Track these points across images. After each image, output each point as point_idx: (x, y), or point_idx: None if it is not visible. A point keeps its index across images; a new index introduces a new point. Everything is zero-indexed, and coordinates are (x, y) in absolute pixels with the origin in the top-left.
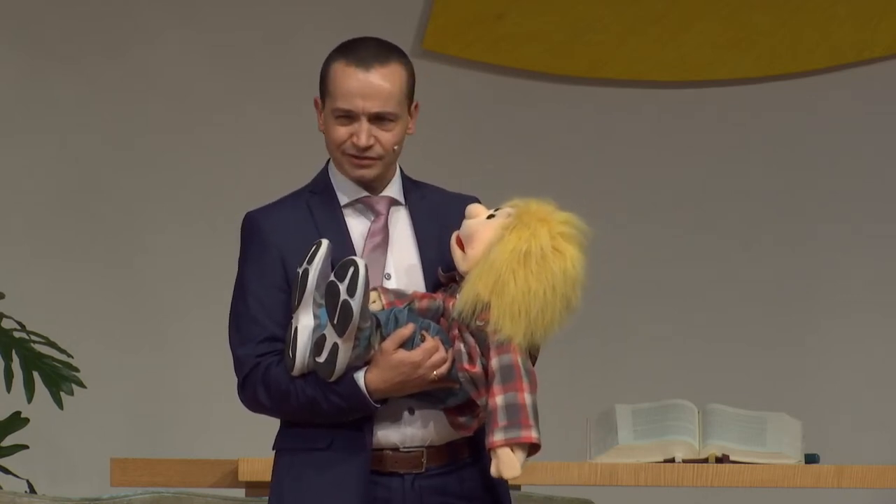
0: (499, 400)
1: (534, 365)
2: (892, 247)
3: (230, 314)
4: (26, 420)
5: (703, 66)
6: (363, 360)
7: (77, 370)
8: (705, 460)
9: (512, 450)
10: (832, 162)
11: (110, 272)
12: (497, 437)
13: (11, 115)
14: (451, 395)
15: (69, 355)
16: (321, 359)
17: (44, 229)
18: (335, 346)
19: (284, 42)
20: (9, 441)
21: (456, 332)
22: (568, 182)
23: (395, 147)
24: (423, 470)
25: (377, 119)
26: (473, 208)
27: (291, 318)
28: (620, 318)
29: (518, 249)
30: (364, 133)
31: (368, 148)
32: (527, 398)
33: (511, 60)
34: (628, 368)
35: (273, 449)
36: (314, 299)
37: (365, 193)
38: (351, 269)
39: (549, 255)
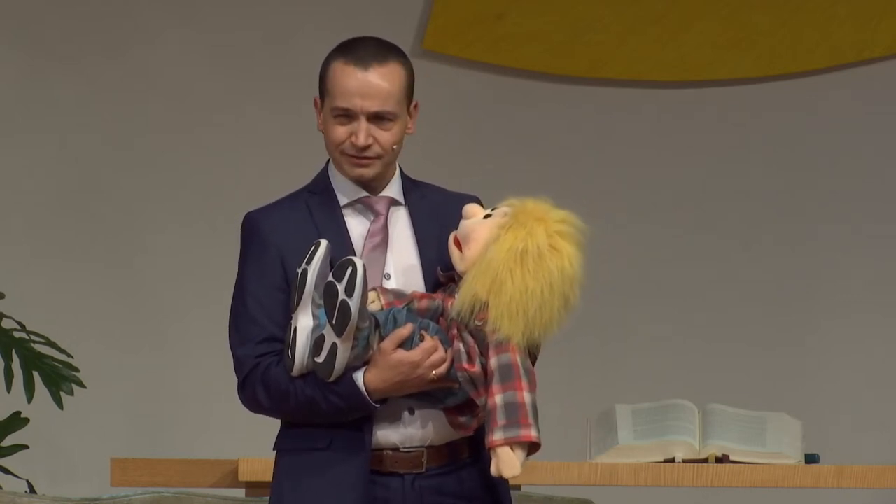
0: (498, 399)
1: (534, 365)
2: (892, 247)
3: (230, 314)
4: (26, 420)
5: (703, 66)
6: (362, 360)
7: (77, 370)
8: (705, 460)
9: (511, 449)
10: (832, 162)
11: (110, 272)
12: (496, 436)
13: (11, 115)
14: (451, 395)
15: (69, 355)
16: (320, 359)
17: (44, 229)
18: (334, 346)
19: (284, 42)
20: (9, 441)
21: (455, 331)
22: (568, 182)
23: (394, 146)
24: (423, 470)
25: (376, 118)
26: (470, 208)
27: (291, 318)
28: (620, 318)
29: (515, 248)
30: (363, 132)
31: (367, 147)
32: (526, 397)
33: (511, 60)
34: (628, 368)
35: (274, 450)
36: (313, 299)
37: (364, 193)
38: (349, 270)
39: (545, 253)
